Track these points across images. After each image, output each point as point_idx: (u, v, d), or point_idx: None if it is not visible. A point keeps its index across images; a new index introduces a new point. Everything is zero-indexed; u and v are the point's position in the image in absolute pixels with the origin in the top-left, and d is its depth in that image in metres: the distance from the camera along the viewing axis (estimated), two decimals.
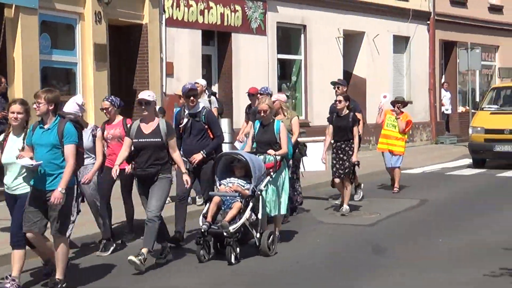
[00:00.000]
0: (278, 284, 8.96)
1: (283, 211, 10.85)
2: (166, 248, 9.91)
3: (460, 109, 30.72)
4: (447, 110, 29.48)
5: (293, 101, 23.74)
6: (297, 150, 12.68)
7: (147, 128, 9.67)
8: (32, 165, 8.07)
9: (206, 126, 10.91)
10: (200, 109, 10.95)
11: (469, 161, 21.24)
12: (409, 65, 27.77)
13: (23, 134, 8.48)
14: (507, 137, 19.83)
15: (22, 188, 8.46)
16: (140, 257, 9.19)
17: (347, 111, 13.33)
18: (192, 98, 10.90)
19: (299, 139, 12.92)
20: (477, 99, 27.51)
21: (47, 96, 8.28)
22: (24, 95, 14.09)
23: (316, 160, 13.64)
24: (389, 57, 26.79)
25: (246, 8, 21.15)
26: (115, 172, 9.59)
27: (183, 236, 10.86)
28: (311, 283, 8.85)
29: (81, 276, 9.05)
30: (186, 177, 9.78)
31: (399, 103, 16.20)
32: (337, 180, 13.34)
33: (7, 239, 8.69)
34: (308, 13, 23.32)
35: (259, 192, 10.16)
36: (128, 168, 9.77)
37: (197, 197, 13.56)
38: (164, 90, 18.53)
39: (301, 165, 13.24)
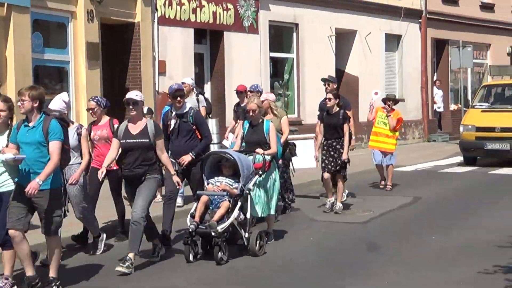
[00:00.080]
0: (271, 283, 8.93)
1: (273, 211, 10.78)
2: (157, 245, 9.87)
3: (452, 107, 30.78)
4: (439, 108, 29.52)
5: (286, 99, 23.77)
6: (287, 150, 12.67)
7: (135, 129, 9.54)
8: (15, 157, 7.95)
9: (194, 127, 10.78)
10: (187, 110, 10.81)
11: (460, 159, 21.27)
12: (401, 63, 27.80)
13: (7, 132, 8.40)
14: (498, 135, 19.84)
15: (7, 185, 8.36)
16: (127, 263, 9.13)
17: (337, 109, 13.27)
18: (179, 98, 10.74)
19: (289, 137, 12.92)
20: (469, 97, 27.58)
21: (31, 93, 8.18)
22: (16, 94, 14.02)
23: (306, 157, 13.63)
24: (381, 55, 26.81)
25: (238, 7, 21.14)
26: (101, 174, 9.42)
27: (169, 236, 10.73)
28: (306, 282, 8.84)
29: (68, 276, 8.92)
30: (176, 179, 9.70)
31: (390, 101, 16.14)
32: (326, 175, 13.24)
33: None
34: (300, 11, 23.33)
35: (247, 191, 10.07)
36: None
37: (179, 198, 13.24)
38: (156, 89, 18.51)
39: (291, 164, 13.17)
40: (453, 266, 9.32)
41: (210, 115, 16.82)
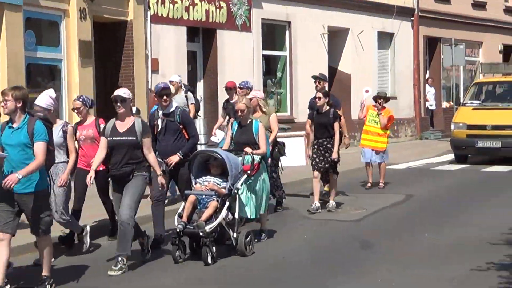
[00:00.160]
0: (264, 281, 8.91)
1: (263, 210, 10.69)
2: (144, 243, 9.77)
3: (444, 104, 30.83)
4: (431, 105, 29.56)
5: (278, 97, 23.79)
6: (276, 150, 12.60)
7: (122, 127, 9.41)
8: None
9: (181, 126, 10.61)
10: (174, 109, 10.65)
11: (452, 156, 21.29)
12: (394, 61, 27.85)
13: None
14: (489, 133, 19.85)
15: None
16: (119, 265, 9.10)
17: (327, 107, 13.19)
18: (165, 97, 10.57)
19: (279, 134, 12.86)
20: (461, 95, 27.62)
21: (15, 94, 8.02)
22: None
23: (296, 155, 13.60)
24: (374, 53, 26.84)
25: (231, 5, 21.14)
26: (89, 179, 9.30)
27: (163, 239, 10.53)
28: (298, 280, 8.83)
29: (57, 277, 8.72)
30: (161, 180, 9.56)
31: (381, 99, 16.05)
32: (316, 173, 13.17)
33: None
34: (293, 9, 23.34)
35: (235, 191, 9.97)
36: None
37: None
38: (149, 87, 18.48)
39: (280, 163, 13.06)
40: (446, 264, 9.34)
41: (198, 114, 16.78)
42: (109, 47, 18.25)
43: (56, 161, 9.39)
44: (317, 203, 13.06)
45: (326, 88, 14.48)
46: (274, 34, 23.65)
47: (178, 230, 9.56)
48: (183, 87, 15.36)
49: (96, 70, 17.26)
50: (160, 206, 10.60)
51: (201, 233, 9.46)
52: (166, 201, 11.95)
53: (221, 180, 10.07)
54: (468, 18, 30.97)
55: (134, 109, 11.70)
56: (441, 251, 10.12)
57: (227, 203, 9.83)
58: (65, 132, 9.74)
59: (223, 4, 20.85)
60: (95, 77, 17.13)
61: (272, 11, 22.66)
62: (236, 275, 9.16)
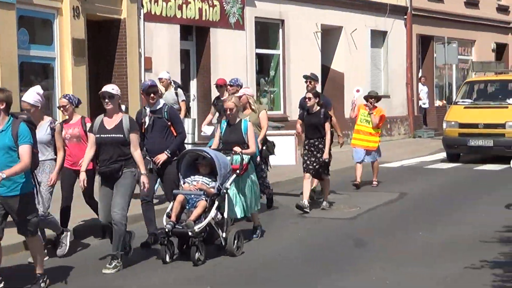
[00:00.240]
0: (255, 280, 8.89)
1: (253, 210, 10.63)
2: (126, 241, 9.57)
3: (437, 103, 30.89)
4: (424, 104, 29.62)
5: (271, 95, 23.80)
6: (265, 147, 12.54)
7: (110, 123, 9.31)
8: None
9: (169, 123, 10.47)
10: (161, 106, 10.54)
11: (445, 155, 21.30)
12: (387, 60, 27.88)
13: None
14: (481, 131, 19.86)
15: None
16: (114, 263, 9.09)
17: (318, 108, 13.04)
18: (152, 95, 10.45)
19: (269, 132, 12.81)
20: (454, 93, 27.67)
21: None
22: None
23: (286, 154, 13.56)
24: (367, 51, 26.87)
25: (224, 3, 21.13)
26: (82, 183, 9.27)
27: (157, 238, 10.33)
28: (290, 279, 8.82)
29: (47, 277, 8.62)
30: (143, 179, 9.27)
31: (372, 98, 15.98)
32: (307, 175, 13.06)
33: None
34: (286, 8, 23.35)
35: (224, 191, 9.86)
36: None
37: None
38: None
39: (268, 162, 13.00)
40: (439, 262, 9.36)
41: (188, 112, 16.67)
42: (103, 46, 18.23)
43: (44, 158, 9.41)
44: (305, 201, 12.93)
45: (319, 89, 14.38)
46: (267, 32, 23.65)
47: (166, 230, 9.45)
48: (172, 83, 15.29)
49: (89, 69, 17.23)
50: (149, 205, 10.52)
51: (190, 233, 9.34)
52: (157, 200, 11.93)
53: (210, 180, 9.96)
54: (461, 16, 31.03)
55: (122, 108, 11.58)
56: (435, 249, 10.14)
57: (216, 202, 9.72)
58: (52, 129, 9.64)
59: (216, 2, 20.84)
60: (88, 75, 17.10)
61: (265, 10, 22.66)
62: (226, 275, 9.10)
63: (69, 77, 16.53)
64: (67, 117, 10.47)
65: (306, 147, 13.13)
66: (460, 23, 30.92)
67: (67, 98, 10.47)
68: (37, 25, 16.76)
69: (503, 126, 19.56)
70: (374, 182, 16.10)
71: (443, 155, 21.48)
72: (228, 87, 13.73)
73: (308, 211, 12.83)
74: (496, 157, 19.88)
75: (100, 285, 8.73)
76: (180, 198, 9.76)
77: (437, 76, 31.01)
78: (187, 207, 9.78)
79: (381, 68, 27.82)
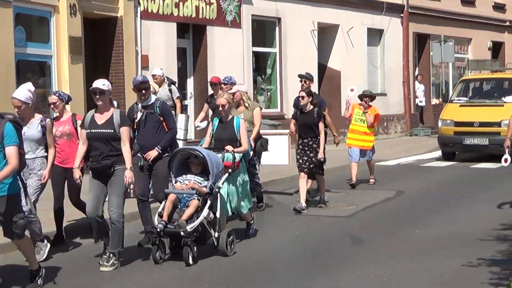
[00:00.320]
0: (254, 278, 8.86)
1: (245, 210, 10.48)
2: (106, 243, 9.48)
3: (434, 101, 30.93)
4: (421, 102, 29.67)
5: (268, 93, 23.81)
6: (258, 143, 12.45)
7: (101, 119, 9.21)
8: None
9: (162, 118, 10.32)
10: (153, 101, 10.39)
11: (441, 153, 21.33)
12: (383, 58, 27.90)
13: None
14: (477, 129, 19.83)
15: None
16: (111, 261, 9.08)
17: (311, 107, 12.93)
18: (143, 91, 10.31)
19: (263, 131, 12.74)
20: (450, 92, 27.68)
21: None
22: None
23: (279, 153, 13.52)
24: (363, 49, 26.90)
25: (221, 1, 21.14)
26: (78, 178, 9.26)
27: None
28: (289, 276, 8.81)
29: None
30: (128, 173, 9.04)
31: (367, 97, 15.88)
32: (302, 174, 12.98)
33: None
34: (282, 6, 23.36)
35: (217, 190, 9.72)
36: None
37: None
38: None
39: (260, 159, 12.90)
40: (436, 259, 9.35)
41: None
42: (99, 44, 18.24)
43: (34, 156, 9.37)
44: (303, 204, 12.87)
45: (316, 87, 14.32)
46: (264, 30, 23.67)
47: (158, 229, 9.29)
48: (166, 80, 15.25)
49: (86, 67, 17.22)
50: (145, 203, 10.43)
51: (182, 233, 9.20)
52: (153, 198, 11.90)
53: (202, 179, 9.83)
54: (457, 14, 31.07)
55: (114, 103, 11.48)
56: (432, 246, 10.14)
57: (209, 202, 9.58)
58: (43, 127, 9.51)
59: (213, 0, 20.84)
60: (85, 73, 17.09)
61: (262, 8, 22.67)
62: (223, 273, 9.02)
63: (66, 75, 16.53)
64: (57, 114, 10.33)
65: (300, 146, 13.03)
66: (457, 21, 30.96)
67: (57, 95, 10.33)
68: (34, 23, 16.76)
69: (498, 124, 19.50)
70: (371, 180, 16.11)
71: (440, 153, 21.48)
72: (222, 85, 13.67)
73: (306, 210, 12.82)
74: (491, 155, 19.88)
75: (91, 285, 8.69)
76: (172, 197, 9.61)
77: (433, 74, 31.05)
78: (179, 206, 9.63)
79: (377, 66, 27.85)
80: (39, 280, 8.29)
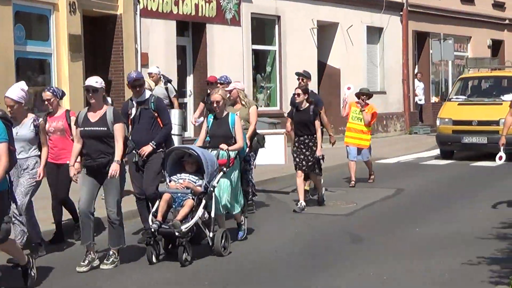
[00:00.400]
0: (253, 277, 8.84)
1: (237, 210, 10.35)
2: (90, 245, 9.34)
3: (433, 99, 30.92)
4: (420, 100, 29.65)
5: (268, 91, 23.80)
6: (255, 139, 12.31)
7: (94, 117, 9.15)
8: None
9: (156, 114, 10.21)
10: (148, 97, 10.29)
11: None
12: (383, 56, 27.90)
13: None
14: (475, 128, 19.75)
15: None
16: (111, 259, 9.07)
17: (307, 104, 12.83)
18: (138, 88, 10.21)
19: (260, 131, 12.69)
20: (450, 90, 27.65)
21: None
22: None
23: (275, 153, 13.49)
24: (363, 47, 26.89)
25: None
26: (74, 177, 9.21)
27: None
28: (288, 275, 8.81)
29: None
30: (113, 166, 8.89)
31: (364, 95, 15.79)
32: (299, 173, 12.89)
33: None
34: (282, 4, 23.35)
35: (212, 189, 9.60)
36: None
37: None
38: None
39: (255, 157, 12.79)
40: (436, 258, 9.35)
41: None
42: (99, 41, 18.24)
43: (27, 156, 9.33)
44: (303, 203, 12.81)
45: (315, 85, 14.25)
46: (263, 28, 23.66)
47: (152, 229, 9.18)
48: (162, 78, 15.20)
49: (85, 64, 17.22)
50: (143, 202, 10.37)
51: (177, 233, 9.08)
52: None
53: (196, 178, 9.70)
54: (456, 13, 31.05)
55: (108, 100, 11.43)
56: (432, 245, 10.14)
57: (204, 201, 9.47)
58: (36, 126, 9.45)
59: None
60: (85, 71, 17.07)
61: (262, 5, 22.66)
62: (222, 272, 9.00)
63: (66, 73, 16.53)
64: (51, 110, 10.26)
65: (296, 144, 12.93)
66: (456, 19, 30.94)
67: (51, 91, 10.26)
68: (34, 20, 16.76)
69: (497, 123, 19.39)
70: (371, 178, 16.09)
71: (439, 151, 21.46)
72: (219, 84, 13.60)
73: (305, 210, 12.79)
74: (490, 154, 19.82)
75: (95, 282, 8.68)
76: (166, 196, 9.49)
77: (433, 73, 31.04)
78: (174, 206, 9.52)
79: (377, 64, 27.84)
80: (32, 273, 8.22)
